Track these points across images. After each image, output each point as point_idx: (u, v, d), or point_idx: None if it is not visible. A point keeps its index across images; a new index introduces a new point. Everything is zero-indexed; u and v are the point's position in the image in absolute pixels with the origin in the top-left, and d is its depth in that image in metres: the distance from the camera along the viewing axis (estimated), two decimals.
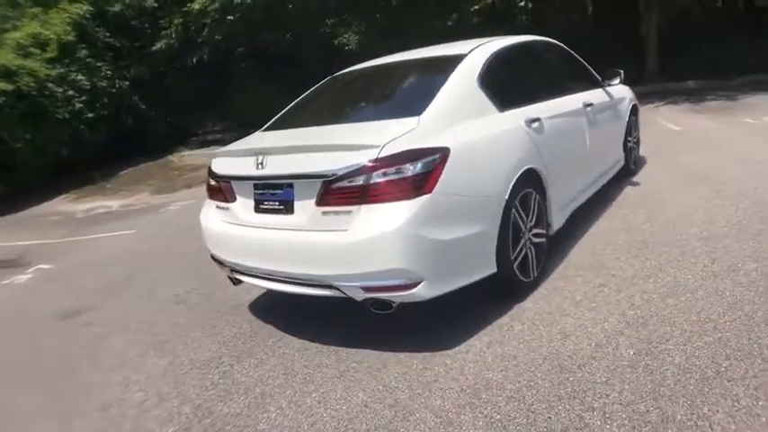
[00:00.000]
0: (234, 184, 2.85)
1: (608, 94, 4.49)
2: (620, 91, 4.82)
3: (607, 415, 1.93)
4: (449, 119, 2.65)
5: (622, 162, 4.85)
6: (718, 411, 1.85)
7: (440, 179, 2.36)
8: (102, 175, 11.05)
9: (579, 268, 3.26)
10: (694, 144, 6.46)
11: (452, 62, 3.04)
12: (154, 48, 12.82)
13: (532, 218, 3.00)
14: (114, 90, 11.96)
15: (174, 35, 12.63)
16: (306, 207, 2.52)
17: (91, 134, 11.10)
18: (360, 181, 2.33)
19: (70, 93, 10.62)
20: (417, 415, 2.10)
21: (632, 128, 5.12)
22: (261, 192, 2.72)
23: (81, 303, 4.11)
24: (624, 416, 1.91)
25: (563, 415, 1.97)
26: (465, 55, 3.08)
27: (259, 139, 2.98)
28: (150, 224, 7.02)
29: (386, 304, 2.44)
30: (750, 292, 2.63)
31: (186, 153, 13.99)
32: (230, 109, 15.75)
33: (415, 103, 2.74)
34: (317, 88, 3.68)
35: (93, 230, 7.13)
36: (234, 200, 2.86)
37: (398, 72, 3.39)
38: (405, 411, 2.13)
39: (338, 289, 2.46)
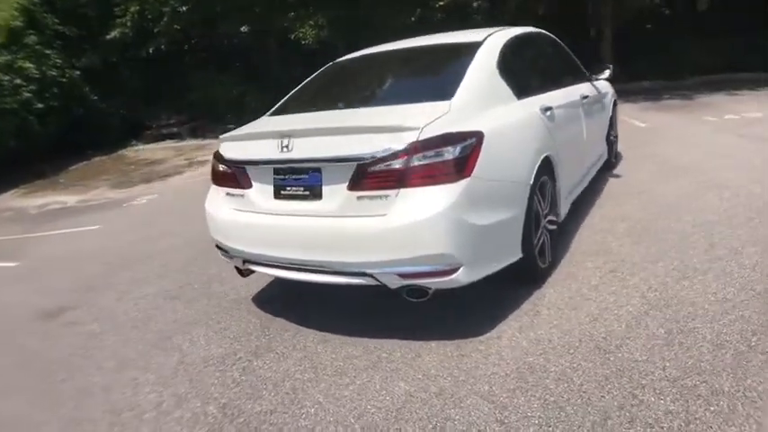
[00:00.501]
0: (249, 169, 2.70)
1: (596, 87, 4.62)
2: (603, 86, 4.98)
3: (658, 391, 1.96)
4: (477, 104, 2.62)
5: (606, 155, 5.01)
6: (762, 382, 1.92)
7: (477, 163, 2.33)
8: (52, 168, 10.32)
9: (586, 255, 3.32)
10: (663, 140, 6.78)
11: (469, 49, 3.02)
12: (107, 37, 12.09)
13: (547, 205, 3.03)
14: (65, 80, 11.17)
15: (129, 24, 11.96)
16: (336, 192, 2.42)
17: (40, 126, 10.33)
18: (399, 164, 2.26)
19: (18, 81, 9.83)
20: (468, 401, 2.06)
21: (613, 122, 5.31)
22: (282, 177, 2.59)
23: (60, 302, 3.79)
24: (675, 391, 1.94)
25: (615, 393, 1.98)
26: (481, 42, 3.06)
27: (276, 122, 2.84)
28: (115, 219, 6.61)
29: (422, 291, 2.39)
30: (756, 273, 2.76)
31: (141, 147, 13.32)
32: (186, 102, 15.15)
33: (440, 88, 2.71)
34: (322, 74, 3.56)
35: (51, 227, 6.63)
36: (249, 186, 2.71)
37: (412, 58, 3.33)
38: (454, 398, 2.09)
39: (372, 276, 2.38)
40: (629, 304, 2.63)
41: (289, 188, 2.58)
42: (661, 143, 6.53)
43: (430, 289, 2.37)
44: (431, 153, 2.25)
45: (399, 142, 2.26)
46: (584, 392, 2.02)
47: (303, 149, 2.44)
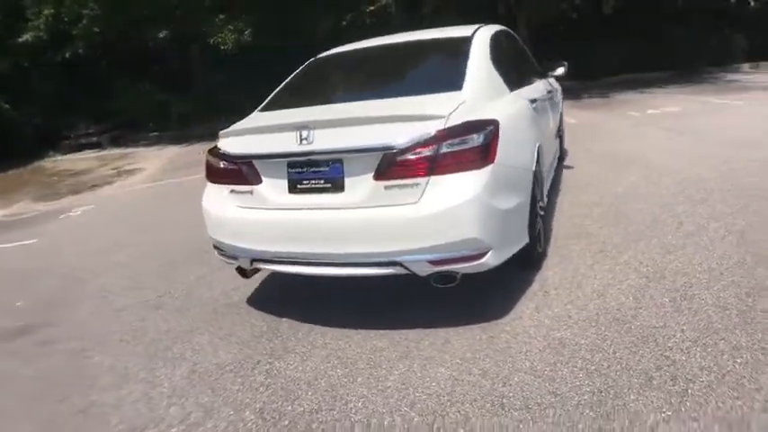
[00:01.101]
0: (258, 163, 2.59)
1: (551, 84, 4.91)
2: (554, 82, 5.30)
3: (685, 351, 2.13)
4: (484, 94, 2.70)
5: (559, 149, 5.34)
6: None
7: (497, 150, 2.41)
8: None
9: (569, 239, 3.53)
10: (598, 134, 7.34)
11: (461, 43, 3.11)
12: (18, 40, 10.98)
13: (540, 191, 3.18)
14: None
15: (42, 27, 10.94)
16: (360, 183, 2.39)
17: None
18: (429, 152, 2.27)
19: None
20: (515, 378, 2.11)
21: (562, 117, 5.67)
22: (299, 170, 2.51)
23: (24, 321, 3.40)
24: (700, 349, 2.12)
25: (649, 357, 2.13)
26: (471, 37, 3.16)
27: (284, 115, 2.73)
28: (53, 232, 6.02)
29: (450, 277, 2.42)
30: (727, 245, 3.08)
31: (59, 158, 12.25)
32: (106, 110, 14.14)
33: (446, 80, 2.76)
34: (309, 69, 3.48)
35: None
36: (259, 182, 2.60)
37: (404, 52, 3.35)
38: (500, 378, 2.13)
39: (402, 265, 2.37)
40: (628, 279, 2.83)
41: (306, 181, 2.50)
42: (598, 138, 7.06)
43: (458, 274, 2.41)
44: (457, 140, 2.29)
45: (428, 130, 2.28)
46: (620, 359, 2.14)
47: (324, 141, 2.39)
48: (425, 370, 2.26)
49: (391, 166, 2.31)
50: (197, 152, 10.59)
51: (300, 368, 2.42)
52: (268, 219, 2.58)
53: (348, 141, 2.36)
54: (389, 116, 2.38)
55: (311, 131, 2.40)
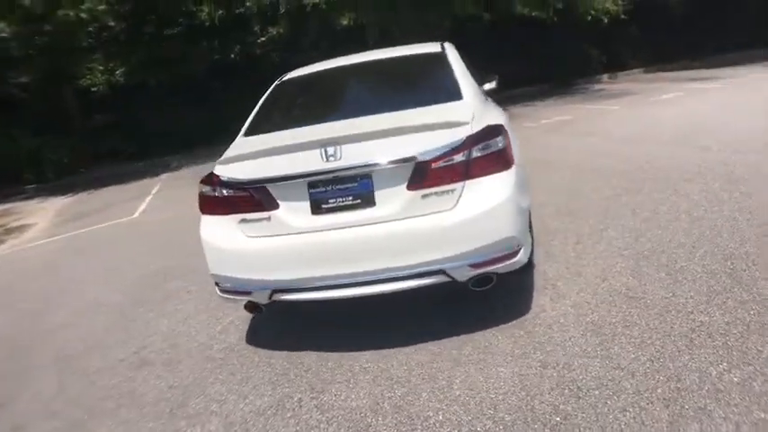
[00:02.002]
0: (272, 187, 2.43)
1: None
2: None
3: (705, 313, 2.39)
4: (479, 103, 2.83)
5: None
6: (765, 287, 2.51)
7: (513, 153, 2.53)
8: None
9: (543, 236, 3.77)
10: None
11: (437, 58, 3.26)
12: None
13: None
14: None
15: None
16: (392, 195, 2.36)
17: None
18: (461, 157, 2.33)
19: None
20: (576, 363, 2.21)
21: None
22: (322, 189, 2.40)
23: None
24: (717, 309, 2.41)
25: (679, 322, 2.36)
26: (443, 52, 3.32)
27: (294, 134, 2.59)
28: None
29: (488, 279, 2.46)
30: (684, 224, 3.51)
31: None
32: None
33: (442, 91, 2.85)
34: (279, 91, 3.35)
35: None
36: (275, 207, 2.44)
37: (383, 68, 3.38)
38: (562, 365, 2.21)
39: (444, 273, 2.37)
40: (618, 262, 3.11)
41: (333, 200, 2.41)
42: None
43: (494, 276, 2.46)
44: (483, 145, 2.37)
45: (458, 136, 2.33)
46: (655, 329, 2.35)
47: (353, 156, 2.32)
48: (485, 373, 2.27)
49: (426, 174, 2.32)
50: (86, 201, 9.56)
51: (353, 396, 2.29)
52: (290, 245, 2.43)
53: (379, 154, 2.32)
54: (416, 126, 2.39)
55: (338, 147, 2.33)
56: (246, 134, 2.92)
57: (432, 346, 2.56)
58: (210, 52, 13.20)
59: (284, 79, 3.52)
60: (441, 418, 2.04)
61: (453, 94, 2.78)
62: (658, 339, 2.27)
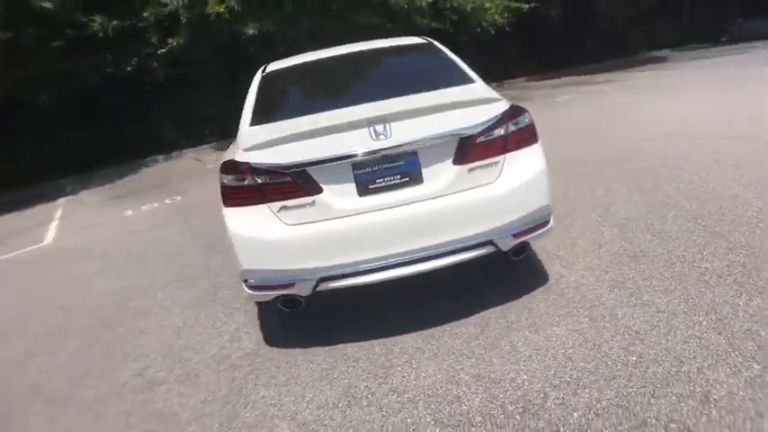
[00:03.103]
0: (315, 171, 2.33)
1: None
2: None
3: (711, 255, 2.75)
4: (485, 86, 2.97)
5: None
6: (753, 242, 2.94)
7: None
8: None
9: None
10: None
11: (427, 47, 3.36)
12: None
13: None
14: None
15: None
16: (440, 171, 2.38)
17: None
18: (501, 131, 2.43)
19: None
20: (620, 312, 2.41)
21: None
22: (368, 169, 2.35)
23: None
24: (720, 252, 2.77)
25: (690, 269, 2.68)
26: (430, 42, 3.44)
27: (326, 117, 2.47)
28: None
29: (523, 248, 2.59)
30: (641, 195, 3.98)
31: None
32: None
33: (450, 76, 2.93)
34: (270, 82, 3.18)
35: None
36: (318, 191, 2.33)
37: (379, 58, 3.37)
38: (609, 316, 2.41)
39: (492, 243, 2.44)
40: (604, 230, 3.44)
41: (380, 180, 2.36)
42: None
43: (528, 244, 2.60)
44: (516, 120, 2.50)
45: (496, 111, 2.44)
46: (671, 278, 2.66)
47: (401, 133, 2.31)
48: (542, 334, 2.39)
49: (471, 149, 2.38)
50: None
51: (423, 374, 2.26)
52: (337, 229, 2.34)
53: (426, 131, 2.34)
54: (453, 103, 2.45)
55: (387, 125, 2.30)
56: (254, 123, 2.74)
57: (474, 320, 2.61)
58: (104, 65, 11.97)
59: (270, 70, 3.35)
60: (525, 377, 2.11)
61: (464, 77, 2.89)
62: (679, 285, 2.56)
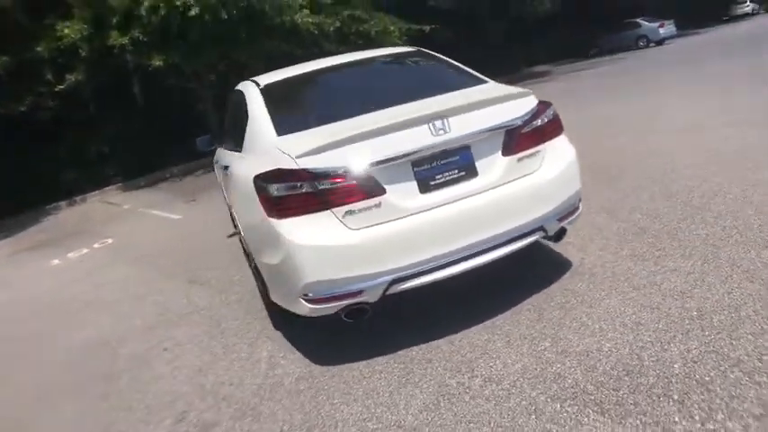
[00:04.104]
0: (376, 171, 2.28)
1: None
2: None
3: (703, 224, 3.12)
4: None
5: None
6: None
7: None
8: None
9: None
10: None
11: (427, 54, 3.50)
12: None
13: None
14: None
15: None
16: (491, 163, 2.47)
17: None
18: (539, 122, 2.59)
19: None
20: (659, 278, 2.64)
21: None
22: (427, 166, 2.36)
23: None
24: (710, 220, 3.15)
25: (694, 237, 3.01)
26: (420, 49, 3.58)
27: (401, 110, 2.44)
28: None
29: (564, 231, 2.75)
30: (610, 180, 4.40)
31: None
32: None
33: (462, 78, 3.08)
34: (274, 94, 3.04)
35: None
36: (382, 192, 2.29)
37: (389, 63, 3.42)
38: (649, 283, 2.62)
39: (542, 229, 2.56)
40: (595, 217, 3.72)
41: (440, 176, 2.38)
42: None
43: (567, 228, 2.76)
44: (547, 112, 2.67)
45: (531, 105, 2.60)
46: (684, 246, 2.96)
47: (459, 128, 2.36)
48: (600, 307, 2.54)
49: (517, 140, 2.50)
50: None
51: (509, 361, 2.29)
52: (404, 229, 2.30)
53: (479, 124, 2.42)
54: (490, 99, 2.55)
55: (445, 120, 2.34)
56: (283, 133, 2.61)
57: (525, 307, 2.69)
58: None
59: (266, 83, 3.21)
60: (608, 345, 2.22)
61: (476, 79, 3.04)
62: (692, 251, 2.87)
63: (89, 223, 8.11)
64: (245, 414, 2.36)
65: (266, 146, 2.63)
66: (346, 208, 2.27)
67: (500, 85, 2.93)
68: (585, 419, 1.85)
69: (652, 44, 22.06)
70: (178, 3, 9.43)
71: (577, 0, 23.13)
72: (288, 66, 3.58)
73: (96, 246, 6.47)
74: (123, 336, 3.58)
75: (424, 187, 2.37)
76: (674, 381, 1.93)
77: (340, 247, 2.26)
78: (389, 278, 2.31)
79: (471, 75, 3.11)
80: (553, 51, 23.91)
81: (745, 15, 29.51)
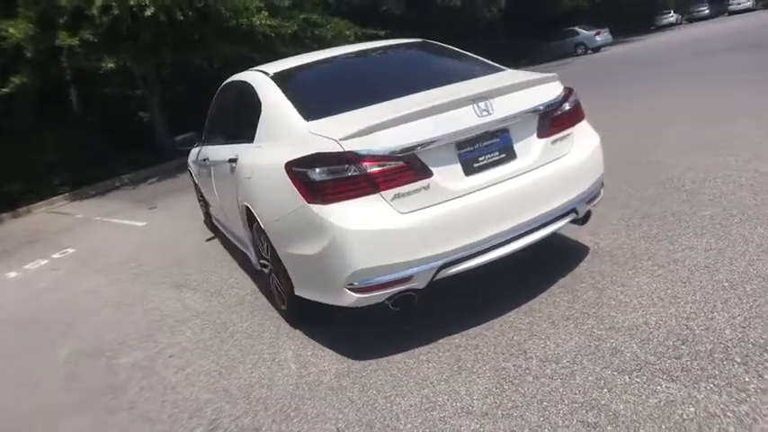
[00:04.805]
0: (422, 153, 2.23)
1: None
2: None
3: (698, 197, 3.28)
4: None
5: None
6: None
7: None
8: None
9: None
10: None
11: (431, 44, 3.54)
12: None
13: None
14: None
15: None
16: (528, 145, 2.48)
17: None
18: (567, 106, 2.63)
19: None
20: (684, 242, 2.74)
21: None
22: (469, 149, 2.34)
23: None
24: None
25: (706, 205, 3.18)
26: (425, 40, 3.58)
27: (435, 95, 2.39)
28: None
29: (589, 214, 2.80)
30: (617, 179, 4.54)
31: None
32: None
33: (481, 65, 3.11)
34: (289, 81, 2.92)
35: None
36: (430, 174, 2.24)
37: (405, 51, 3.41)
38: (685, 248, 2.73)
39: (575, 211, 2.60)
40: (606, 210, 3.85)
41: (482, 158, 2.36)
42: None
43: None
44: (572, 97, 2.72)
45: (559, 89, 2.64)
46: (697, 211, 3.13)
47: (501, 110, 2.35)
48: (632, 285, 2.59)
49: (551, 123, 2.53)
50: None
51: (559, 340, 2.28)
52: (451, 211, 2.26)
53: (518, 106, 2.42)
54: (527, 81, 2.56)
55: (489, 102, 2.33)
56: (313, 118, 2.50)
57: (557, 290, 2.71)
58: None
59: (276, 71, 3.08)
60: (654, 319, 2.27)
61: (493, 66, 3.06)
62: (702, 231, 3.01)
63: (41, 234, 7.46)
64: (289, 416, 2.22)
65: (294, 132, 2.52)
66: (395, 191, 2.20)
67: (520, 71, 2.96)
68: (658, 387, 1.87)
69: (590, 51, 23.37)
70: (132, 3, 8.94)
71: (519, 8, 24.12)
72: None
73: (57, 256, 5.95)
74: (116, 346, 3.30)
75: (469, 169, 2.34)
76: (730, 345, 2.00)
77: (391, 232, 2.18)
78: (440, 263, 2.26)
79: (488, 63, 3.13)
80: (496, 58, 24.70)
81: (670, 25, 31.99)
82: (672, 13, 33.03)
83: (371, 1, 18.92)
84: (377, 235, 2.18)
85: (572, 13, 26.61)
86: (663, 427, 1.70)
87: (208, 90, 16.39)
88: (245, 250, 3.79)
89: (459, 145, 2.33)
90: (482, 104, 2.33)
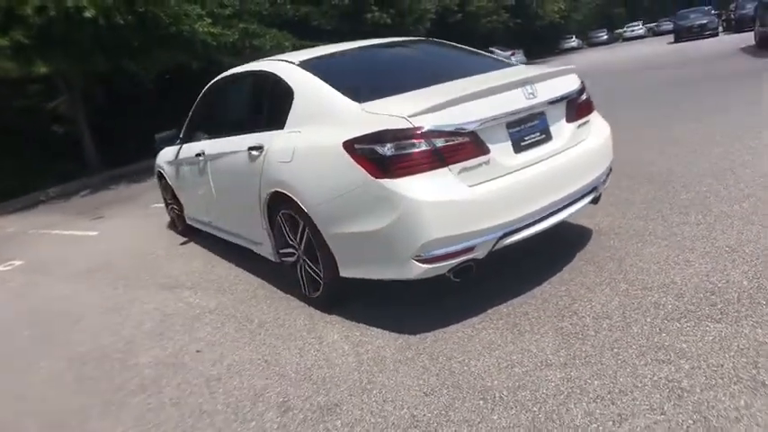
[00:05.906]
0: (482, 131, 2.39)
1: None
2: None
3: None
4: None
5: None
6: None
7: None
8: None
9: None
10: None
11: (436, 41, 3.72)
12: None
13: None
14: None
15: None
16: (560, 128, 2.73)
17: None
18: (585, 95, 2.93)
19: None
20: (715, 210, 3.12)
21: None
22: (518, 128, 2.54)
23: None
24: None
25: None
26: (430, 38, 3.79)
27: (467, 83, 2.50)
28: None
29: (600, 195, 3.10)
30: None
31: None
32: None
33: (492, 61, 3.34)
34: (326, 67, 2.96)
35: None
36: (487, 151, 2.40)
37: (421, 45, 3.53)
38: (712, 220, 3.09)
39: (596, 189, 2.89)
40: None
41: (527, 137, 2.57)
42: None
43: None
44: (585, 89, 3.03)
45: (578, 80, 2.93)
46: (701, 208, 3.51)
47: (543, 94, 2.59)
48: (648, 254, 2.91)
49: (576, 109, 2.81)
50: None
51: (605, 299, 2.51)
52: (509, 185, 2.43)
53: (555, 92, 2.67)
54: (554, 72, 2.81)
55: (533, 86, 2.55)
56: (364, 100, 2.57)
57: (579, 263, 2.96)
58: None
59: (302, 59, 3.12)
60: (679, 278, 2.58)
61: (505, 63, 3.31)
62: (689, 209, 3.43)
63: None
64: (366, 388, 2.24)
65: (346, 113, 2.57)
66: (462, 165, 2.34)
67: (535, 67, 3.24)
68: (707, 328, 2.15)
69: None
70: (69, 4, 8.33)
71: (441, 27, 25.38)
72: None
73: (2, 269, 5.33)
74: (123, 347, 3.08)
75: (517, 147, 2.54)
76: (752, 292, 2.34)
77: (460, 203, 2.31)
78: (501, 233, 2.42)
79: (496, 58, 3.38)
80: None
81: (572, 49, 35.36)
82: (573, 38, 36.54)
83: (304, 15, 18.98)
84: (448, 206, 2.30)
85: (488, 35, 28.52)
86: (726, 355, 1.96)
87: (136, 101, 15.49)
88: (248, 246, 3.70)
89: (510, 125, 2.52)
90: (529, 88, 2.55)
